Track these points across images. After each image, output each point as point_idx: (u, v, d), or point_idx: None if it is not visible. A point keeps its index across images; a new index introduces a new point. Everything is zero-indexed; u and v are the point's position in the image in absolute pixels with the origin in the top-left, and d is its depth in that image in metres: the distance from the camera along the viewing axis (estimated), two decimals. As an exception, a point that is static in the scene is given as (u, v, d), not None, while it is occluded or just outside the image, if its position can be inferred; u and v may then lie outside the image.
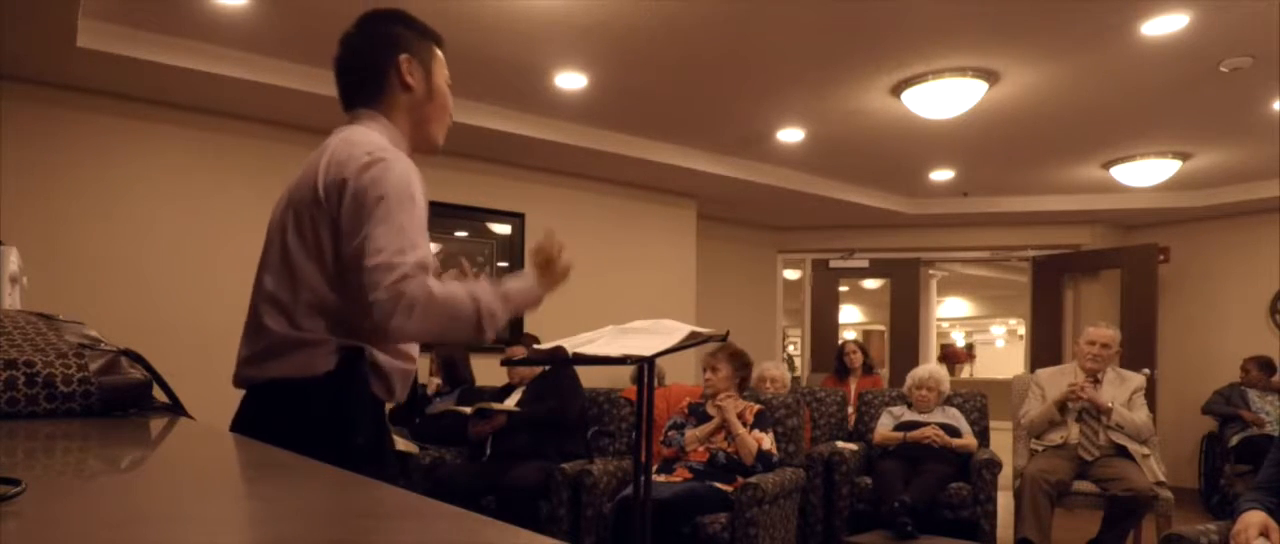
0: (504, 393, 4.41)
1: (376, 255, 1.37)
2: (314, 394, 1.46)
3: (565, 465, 3.93)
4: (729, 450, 3.77)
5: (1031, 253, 7.67)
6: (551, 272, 1.69)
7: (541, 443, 4.07)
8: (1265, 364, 6.14)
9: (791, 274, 9.29)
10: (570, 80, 4.26)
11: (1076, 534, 4.43)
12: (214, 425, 1.21)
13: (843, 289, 8.95)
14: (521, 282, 1.61)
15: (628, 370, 5.29)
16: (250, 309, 1.56)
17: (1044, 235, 7.40)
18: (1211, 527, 2.43)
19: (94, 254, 4.08)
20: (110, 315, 3.75)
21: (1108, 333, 4.19)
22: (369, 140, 1.51)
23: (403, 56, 1.61)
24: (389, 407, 1.62)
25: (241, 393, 1.57)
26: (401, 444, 4.36)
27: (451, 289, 1.44)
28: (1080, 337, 4.32)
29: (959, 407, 4.68)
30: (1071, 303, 7.55)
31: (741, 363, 4.01)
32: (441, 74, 1.68)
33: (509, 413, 4.14)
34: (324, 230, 1.46)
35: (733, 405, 3.83)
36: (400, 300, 1.37)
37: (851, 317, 15.66)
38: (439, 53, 1.68)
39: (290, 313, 1.48)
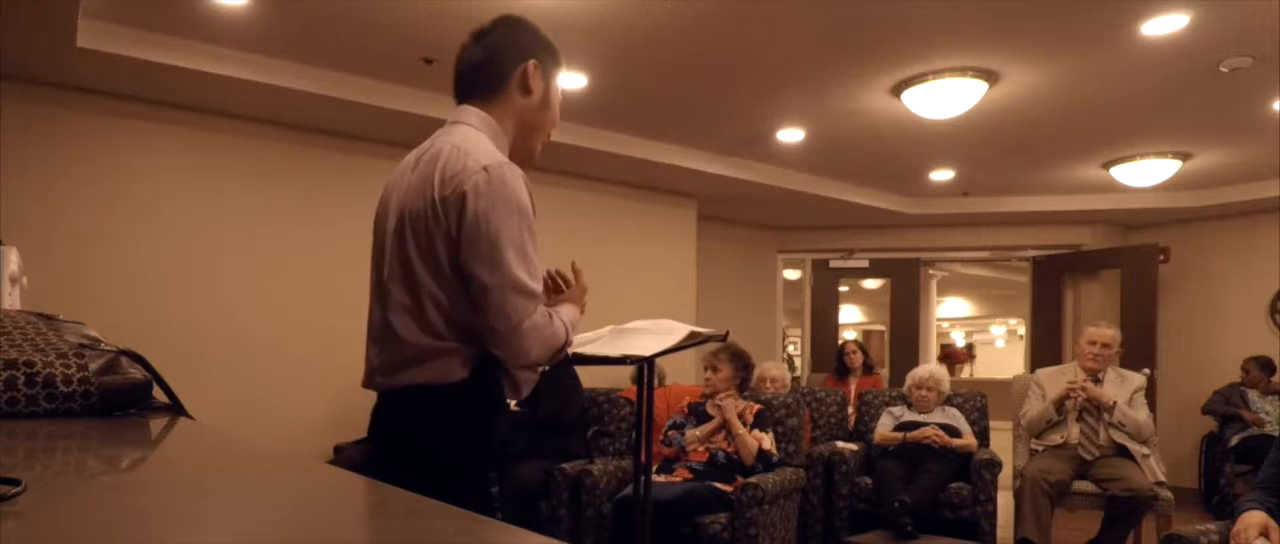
0: (504, 393, 4.40)
1: (513, 286, 1.45)
2: (450, 400, 1.51)
3: (565, 465, 3.93)
4: (729, 450, 3.77)
5: (1031, 253, 7.67)
6: (580, 295, 1.77)
7: (541, 443, 4.07)
8: (1265, 364, 6.15)
9: (791, 274, 9.29)
10: (570, 80, 4.26)
11: (1076, 534, 4.43)
12: (214, 425, 1.21)
13: (843, 289, 8.95)
14: (571, 313, 1.68)
15: (628, 370, 5.29)
16: (377, 315, 1.58)
17: (1044, 235, 7.39)
18: (1211, 527, 2.44)
19: (94, 254, 4.07)
20: (110, 315, 3.75)
21: (1108, 333, 4.19)
22: (481, 148, 1.52)
23: (531, 62, 1.64)
24: None
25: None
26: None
27: (556, 321, 1.56)
28: (1081, 337, 4.32)
29: (959, 407, 4.68)
30: (1071, 303, 7.55)
31: (743, 364, 4.02)
32: (557, 89, 1.72)
33: (511, 412, 4.13)
34: (440, 242, 1.48)
35: (733, 405, 3.84)
36: (537, 332, 1.49)
37: (851, 317, 15.66)
38: (557, 74, 1.73)
39: (420, 321, 1.50)
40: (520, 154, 1.66)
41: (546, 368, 1.64)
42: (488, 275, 1.45)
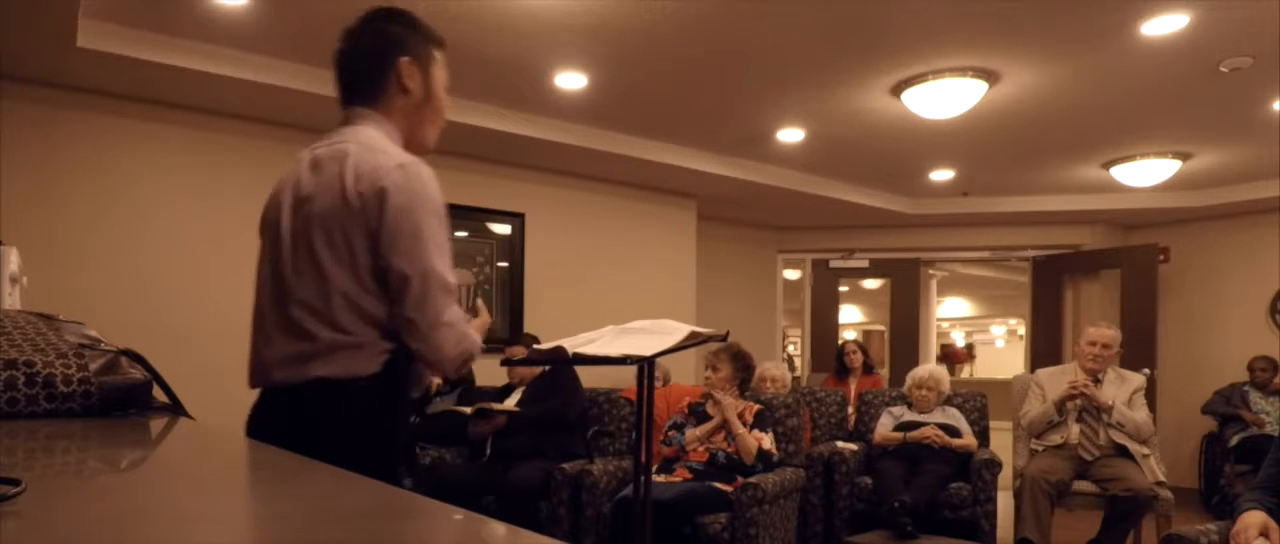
0: (504, 393, 4.41)
1: (434, 279, 1.49)
2: (360, 394, 1.51)
3: (565, 465, 3.93)
4: (729, 450, 3.77)
5: (1031, 253, 7.67)
6: (483, 326, 1.77)
7: (541, 443, 4.07)
8: (1274, 365, 6.15)
9: (791, 274, 9.29)
10: (570, 80, 4.25)
11: (1076, 534, 4.43)
12: (214, 425, 1.21)
13: (843, 289, 8.96)
14: (476, 331, 1.71)
15: (631, 370, 5.29)
16: (275, 311, 1.58)
17: (1044, 235, 7.40)
18: (1211, 527, 2.43)
19: (94, 254, 4.07)
20: (110, 315, 3.75)
21: (1108, 333, 4.19)
22: (387, 146, 1.56)
23: (404, 59, 1.62)
24: None
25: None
26: (401, 444, 4.36)
27: (470, 327, 1.59)
28: (1081, 337, 4.32)
29: (959, 407, 4.68)
30: (1071, 303, 7.55)
31: (744, 364, 4.02)
32: (440, 78, 1.69)
33: (509, 413, 4.13)
34: (357, 238, 1.49)
35: (732, 403, 3.83)
36: (453, 329, 1.51)
37: (851, 317, 15.66)
38: (439, 56, 1.70)
39: (328, 316, 1.51)
40: (416, 146, 1.67)
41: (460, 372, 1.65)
42: (410, 268, 1.47)
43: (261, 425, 1.59)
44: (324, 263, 1.50)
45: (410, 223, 1.47)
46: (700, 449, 3.81)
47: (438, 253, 1.50)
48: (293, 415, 1.53)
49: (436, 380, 4.70)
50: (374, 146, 1.54)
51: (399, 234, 1.47)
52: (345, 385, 1.50)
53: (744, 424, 3.81)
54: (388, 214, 1.46)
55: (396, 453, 1.58)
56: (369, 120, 1.61)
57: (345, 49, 1.66)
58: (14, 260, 2.38)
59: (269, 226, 1.64)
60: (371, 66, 1.63)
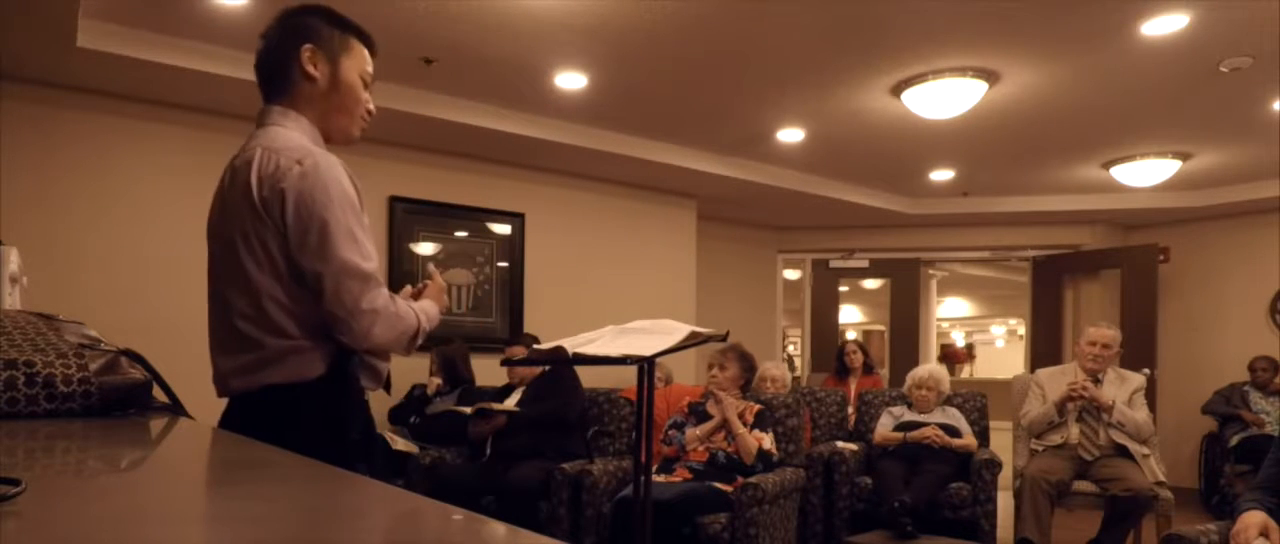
0: (504, 393, 4.41)
1: (345, 270, 1.47)
2: (310, 397, 1.52)
3: (565, 465, 3.92)
4: (729, 450, 3.77)
5: (1031, 253, 7.67)
6: (437, 292, 1.76)
7: (541, 443, 4.07)
8: (1275, 365, 6.15)
9: (791, 274, 9.29)
10: (570, 80, 4.25)
11: (1076, 534, 4.43)
12: (214, 426, 1.21)
13: (843, 289, 8.96)
14: (427, 305, 1.69)
15: (631, 370, 5.29)
16: (217, 320, 1.59)
17: (1044, 235, 7.39)
18: (1211, 527, 2.43)
19: (94, 254, 4.07)
20: (110, 315, 3.75)
21: (1108, 333, 4.19)
22: (290, 143, 1.54)
23: (306, 46, 1.60)
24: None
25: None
26: (401, 444, 4.36)
27: (401, 304, 1.57)
28: (1081, 337, 4.32)
29: (959, 407, 4.68)
30: (1071, 303, 7.55)
31: (748, 365, 4.03)
32: (354, 67, 1.66)
33: (509, 413, 4.13)
34: (272, 242, 1.49)
35: (733, 403, 3.83)
36: (377, 314, 1.49)
37: (851, 317, 15.66)
38: (358, 46, 1.68)
39: (265, 324, 1.51)
40: (336, 135, 1.66)
41: (413, 353, 1.65)
42: (319, 264, 1.47)
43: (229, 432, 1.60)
44: (250, 272, 1.51)
45: (313, 219, 1.46)
46: (700, 449, 3.81)
47: (346, 243, 1.47)
48: (250, 422, 1.53)
49: (435, 380, 4.70)
50: (276, 146, 1.53)
51: (304, 232, 1.47)
52: (295, 389, 1.51)
53: (744, 424, 3.81)
54: (289, 215, 1.46)
55: (352, 450, 1.57)
56: (278, 117, 1.61)
57: (259, 48, 1.66)
58: (14, 260, 2.38)
59: (209, 238, 1.66)
60: (278, 59, 1.63)
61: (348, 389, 1.58)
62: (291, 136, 1.57)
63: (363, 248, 1.50)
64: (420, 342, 1.63)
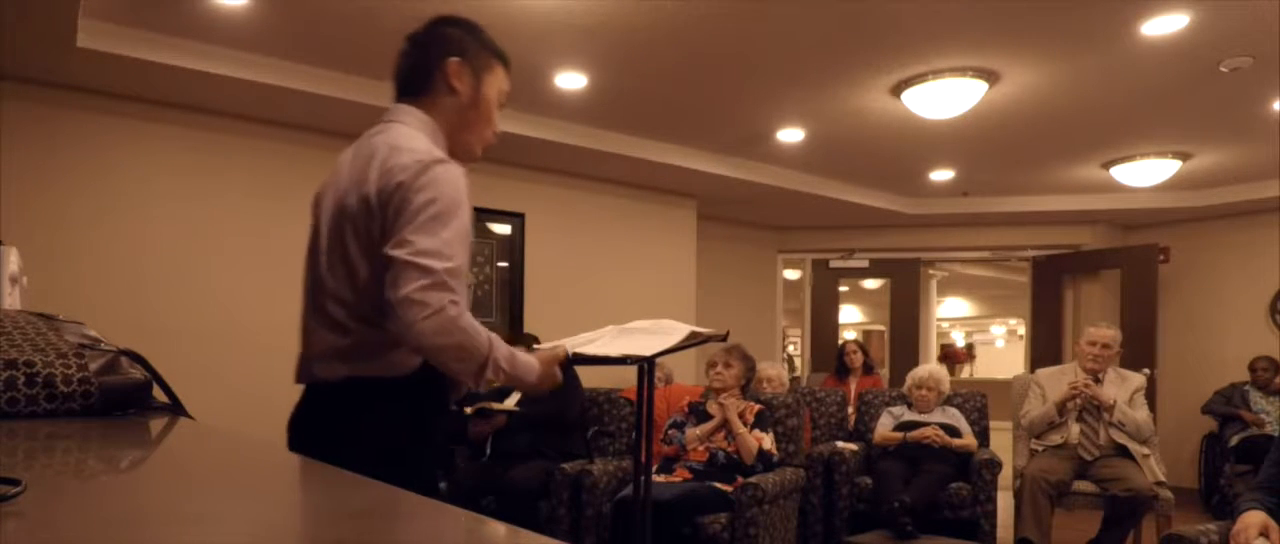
0: (504, 393, 4.40)
1: (412, 256, 1.41)
2: (398, 393, 1.51)
3: (565, 465, 3.93)
4: (729, 450, 3.77)
5: (1031, 253, 7.67)
6: (552, 374, 1.69)
7: (541, 443, 4.07)
8: (1277, 365, 6.16)
9: (791, 274, 9.29)
10: (570, 80, 4.25)
11: (1076, 534, 4.43)
12: (214, 425, 1.21)
13: (843, 289, 8.95)
14: (528, 358, 1.62)
15: (631, 370, 5.29)
16: (314, 304, 1.58)
17: (1044, 235, 7.39)
18: (1211, 527, 2.44)
19: (94, 254, 4.07)
20: (110, 315, 3.75)
21: (1108, 333, 4.19)
22: (415, 143, 1.53)
23: (453, 59, 1.63)
24: None
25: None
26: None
27: (474, 322, 1.47)
28: (1081, 337, 4.32)
29: (959, 407, 4.68)
30: (1071, 303, 7.55)
31: (750, 365, 4.05)
32: (494, 87, 1.70)
33: (509, 413, 4.13)
34: (377, 234, 1.48)
35: (734, 404, 3.84)
36: (428, 308, 1.39)
37: (851, 317, 15.66)
38: (500, 69, 1.71)
39: (359, 312, 1.50)
40: (459, 151, 1.66)
41: (477, 384, 1.55)
42: (395, 250, 1.43)
43: (302, 423, 1.60)
44: (353, 258, 1.51)
45: (412, 210, 1.44)
46: (700, 449, 3.81)
47: (430, 241, 1.42)
48: (330, 414, 1.53)
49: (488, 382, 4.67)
50: (401, 144, 1.52)
51: (398, 221, 1.45)
52: (379, 384, 1.50)
53: (744, 424, 3.81)
54: (397, 208, 1.45)
55: (432, 453, 1.55)
56: (408, 115, 1.62)
57: (405, 45, 1.69)
58: (14, 260, 2.38)
59: (313, 223, 1.65)
60: (423, 63, 1.65)
61: (433, 392, 1.55)
62: (419, 138, 1.56)
63: (446, 251, 1.43)
64: (491, 376, 1.52)
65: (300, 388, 1.63)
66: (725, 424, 3.81)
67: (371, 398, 1.50)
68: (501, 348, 1.52)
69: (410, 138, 1.55)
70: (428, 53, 1.65)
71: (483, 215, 5.39)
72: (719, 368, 3.98)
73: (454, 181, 1.48)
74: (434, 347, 1.42)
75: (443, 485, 1.58)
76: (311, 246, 1.63)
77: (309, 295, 1.60)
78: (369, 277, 1.49)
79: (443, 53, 1.64)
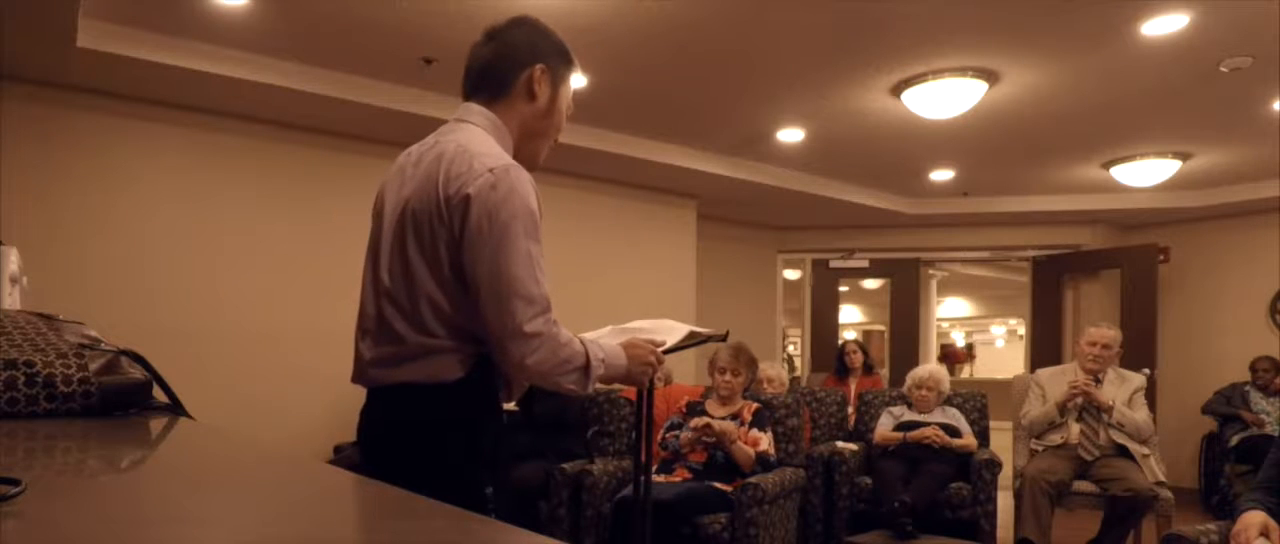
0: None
1: (514, 289, 1.41)
2: (446, 399, 1.49)
3: (565, 465, 3.93)
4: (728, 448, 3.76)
5: (1031, 253, 7.67)
6: (641, 353, 1.68)
7: (541, 443, 4.07)
8: (1278, 366, 6.16)
9: (791, 274, 9.29)
10: (571, 80, 4.25)
11: (1076, 534, 4.43)
12: (214, 425, 1.21)
13: (843, 289, 8.95)
14: (613, 347, 1.62)
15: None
16: (372, 308, 1.56)
17: (1044, 235, 7.39)
18: (1211, 527, 2.43)
19: (94, 254, 4.07)
20: (110, 315, 3.75)
21: (1109, 333, 4.19)
22: (488, 149, 1.50)
23: (539, 65, 1.62)
24: None
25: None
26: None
27: (571, 336, 1.49)
28: (1081, 337, 4.32)
29: (959, 407, 4.68)
30: (1071, 303, 7.55)
31: (754, 368, 4.04)
32: (566, 97, 1.69)
33: (508, 413, 4.13)
34: (442, 243, 1.46)
35: (730, 430, 3.73)
36: (540, 339, 1.43)
37: (851, 317, 15.66)
38: (571, 79, 1.71)
39: (415, 320, 1.48)
40: (524, 157, 1.62)
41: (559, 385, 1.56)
42: (488, 278, 1.42)
43: (365, 426, 1.59)
44: (413, 264, 1.48)
45: (494, 231, 1.42)
46: (699, 449, 3.81)
47: (521, 261, 1.43)
48: (384, 419, 1.53)
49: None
50: (472, 148, 1.49)
51: (480, 242, 1.42)
52: (429, 391, 1.48)
53: (742, 423, 3.80)
54: (470, 218, 1.42)
55: (482, 461, 1.53)
56: (480, 118, 1.59)
57: (484, 44, 1.65)
58: (14, 260, 2.38)
59: (374, 222, 1.63)
60: (506, 66, 1.61)
61: (487, 397, 1.54)
62: (489, 143, 1.54)
63: (534, 269, 1.45)
64: (593, 381, 1.54)
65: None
66: (718, 435, 3.71)
67: (417, 406, 1.49)
68: (590, 345, 1.54)
69: (480, 141, 1.52)
70: (511, 56, 1.61)
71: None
72: (728, 376, 3.92)
73: (528, 189, 1.47)
74: (541, 372, 1.46)
75: (489, 490, 1.57)
76: (371, 249, 1.60)
77: (368, 298, 1.58)
78: (429, 285, 1.47)
79: (529, 58, 1.61)
